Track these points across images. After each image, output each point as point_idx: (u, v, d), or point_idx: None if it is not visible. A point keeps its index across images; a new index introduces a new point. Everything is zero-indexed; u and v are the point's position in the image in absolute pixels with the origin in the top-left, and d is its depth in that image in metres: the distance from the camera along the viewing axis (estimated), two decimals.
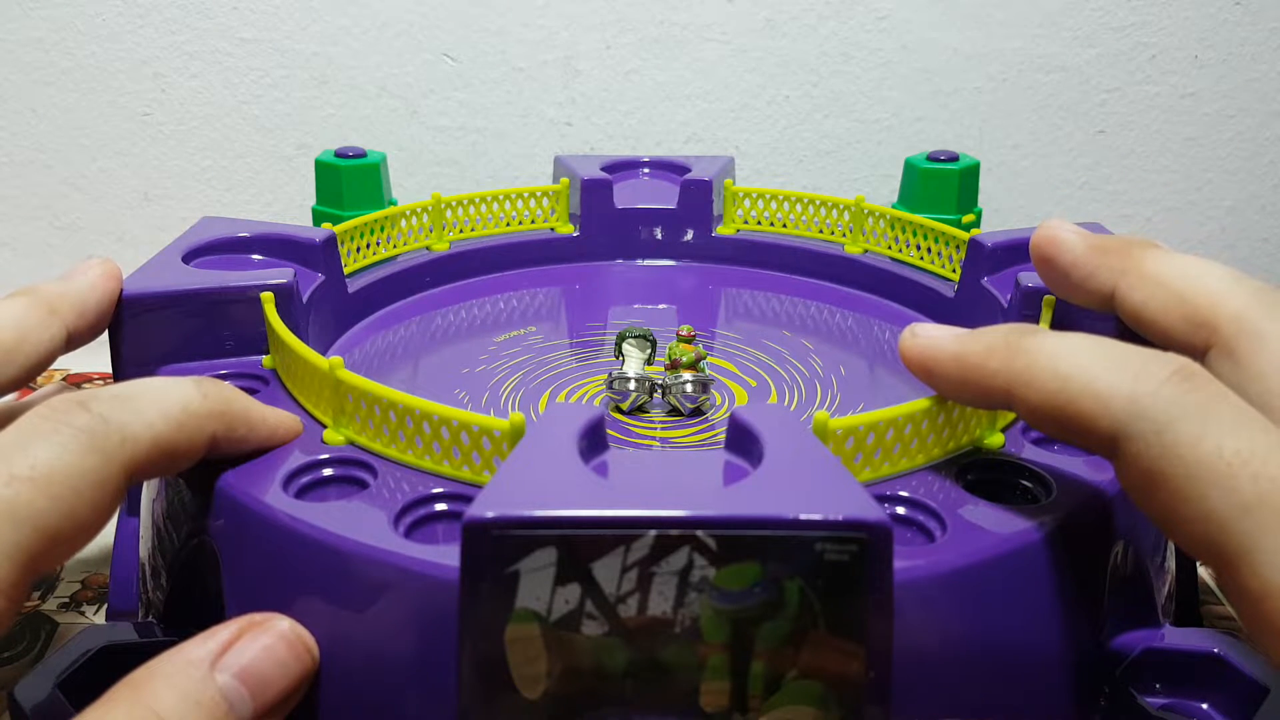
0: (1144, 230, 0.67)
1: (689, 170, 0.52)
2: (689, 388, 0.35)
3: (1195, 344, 0.25)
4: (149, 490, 0.31)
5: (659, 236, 0.50)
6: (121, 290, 0.33)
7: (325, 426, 0.29)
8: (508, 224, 0.49)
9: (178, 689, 0.21)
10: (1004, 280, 0.39)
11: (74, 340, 0.31)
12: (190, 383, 0.25)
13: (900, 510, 0.26)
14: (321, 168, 0.48)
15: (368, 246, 0.44)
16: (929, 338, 0.26)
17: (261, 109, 0.64)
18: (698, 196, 0.50)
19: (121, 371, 0.33)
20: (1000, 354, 0.24)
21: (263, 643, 0.23)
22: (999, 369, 0.24)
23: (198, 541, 0.27)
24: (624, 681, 0.20)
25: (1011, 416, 0.30)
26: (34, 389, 0.56)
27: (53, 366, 0.60)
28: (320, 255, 0.40)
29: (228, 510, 0.26)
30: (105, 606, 0.36)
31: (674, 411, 0.36)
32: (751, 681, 0.20)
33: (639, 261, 0.50)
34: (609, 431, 0.27)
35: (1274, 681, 0.25)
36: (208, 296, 0.33)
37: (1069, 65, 0.64)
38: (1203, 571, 0.41)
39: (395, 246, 0.45)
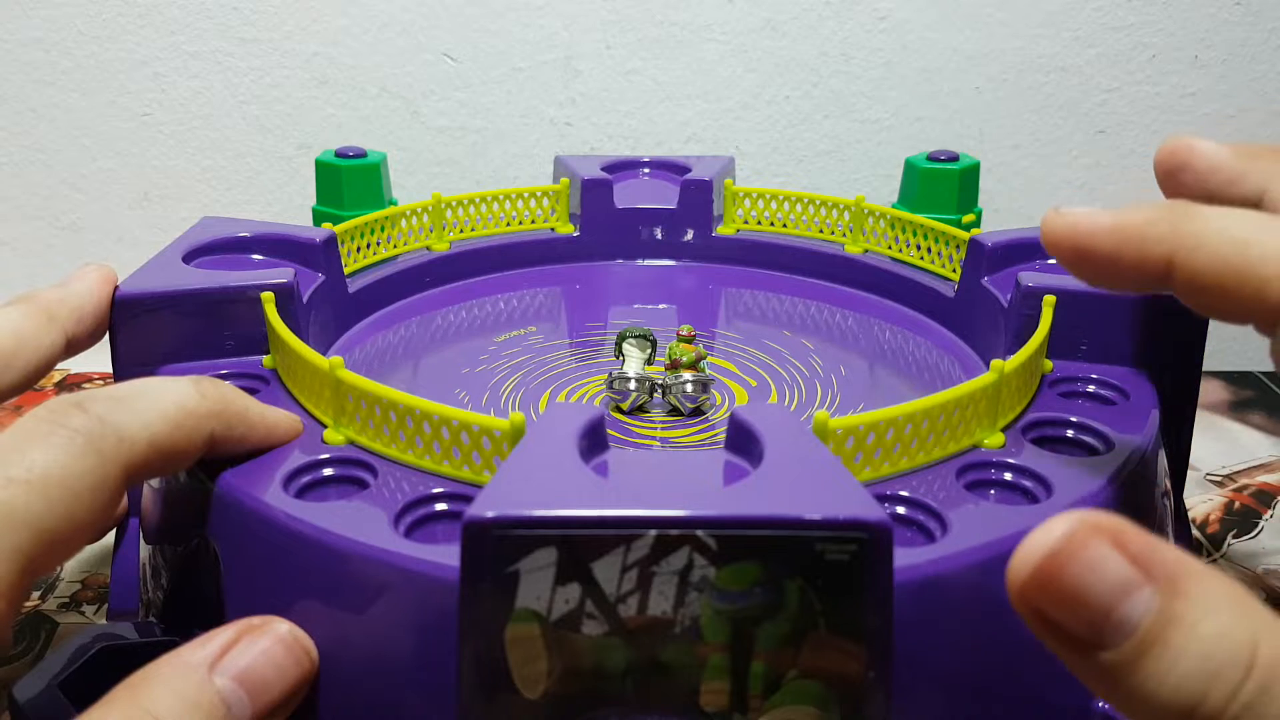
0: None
1: (689, 170, 0.52)
2: (689, 388, 0.35)
3: None
4: (149, 490, 0.31)
5: (659, 236, 0.50)
6: (119, 292, 0.33)
7: (325, 426, 0.29)
8: (508, 224, 0.49)
9: (176, 692, 0.21)
10: (1004, 280, 0.39)
11: (73, 346, 0.31)
12: (188, 382, 0.25)
13: (900, 510, 0.26)
14: (322, 168, 0.48)
15: (368, 246, 0.44)
16: (1079, 213, 0.24)
17: (261, 109, 0.64)
18: (698, 196, 0.50)
19: (122, 372, 0.33)
20: (1166, 219, 0.22)
21: (261, 646, 0.23)
22: (1164, 235, 0.22)
23: (198, 541, 0.27)
24: (624, 681, 0.20)
25: (1011, 416, 0.30)
26: (40, 389, 0.56)
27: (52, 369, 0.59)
28: (320, 255, 0.40)
29: (228, 510, 0.26)
30: (105, 606, 0.36)
31: (674, 411, 0.36)
32: (751, 681, 0.20)
33: (639, 261, 0.50)
34: (609, 431, 0.27)
35: None
36: (208, 296, 0.33)
37: (1069, 65, 0.64)
38: None
39: (395, 246, 0.45)
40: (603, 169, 0.51)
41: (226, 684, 0.22)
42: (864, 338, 0.43)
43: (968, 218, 0.48)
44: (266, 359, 0.34)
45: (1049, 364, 0.34)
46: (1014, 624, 0.24)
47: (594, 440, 0.23)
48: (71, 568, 0.41)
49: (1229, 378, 0.60)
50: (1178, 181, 0.27)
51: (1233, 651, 0.16)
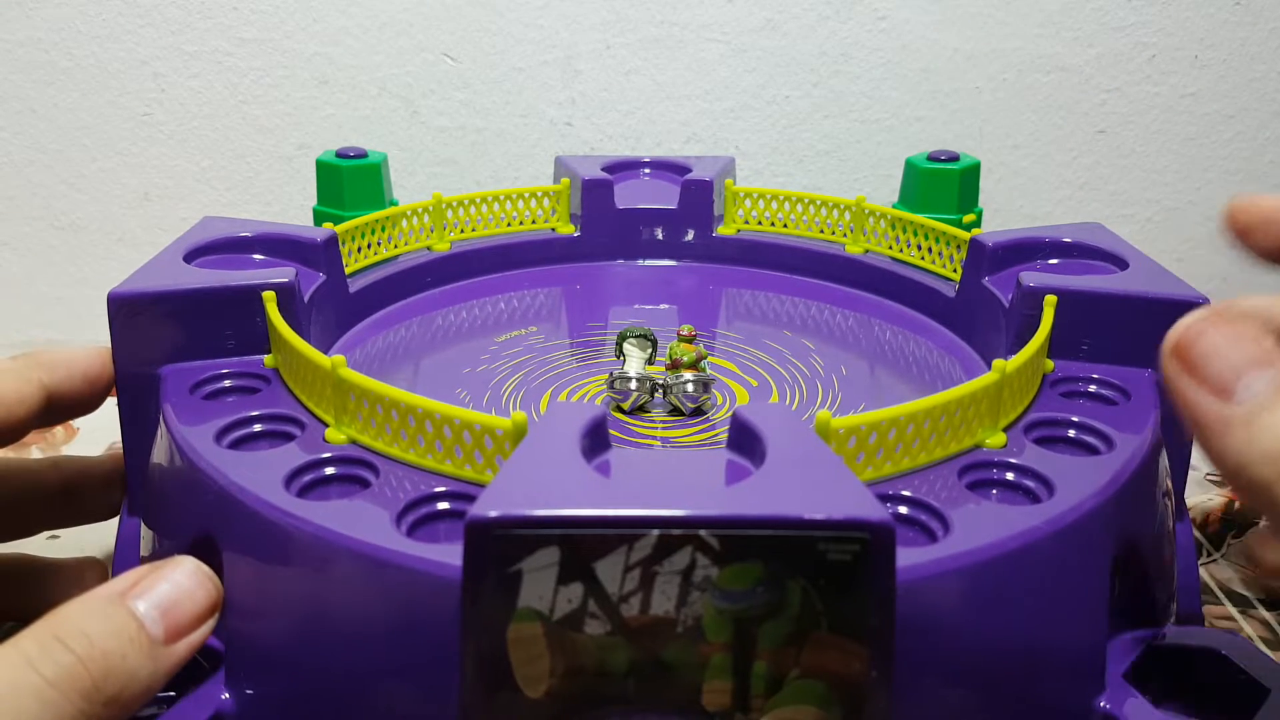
0: (1144, 230, 0.67)
1: (689, 170, 0.52)
2: (690, 387, 0.35)
3: None
4: (150, 489, 0.31)
5: (659, 236, 0.50)
6: (117, 291, 0.33)
7: (327, 425, 0.29)
8: (508, 224, 0.49)
9: (91, 613, 0.22)
10: (1004, 280, 0.39)
11: (55, 402, 0.32)
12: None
13: (902, 510, 0.26)
14: (322, 168, 0.48)
15: (369, 246, 0.44)
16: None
17: (261, 109, 0.64)
18: (698, 196, 0.50)
19: (122, 372, 0.33)
20: None
21: (167, 575, 0.24)
22: None
23: (199, 540, 0.27)
24: (626, 681, 0.20)
25: (1013, 416, 0.30)
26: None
27: None
28: (322, 255, 0.39)
29: (229, 509, 0.26)
30: None
31: (675, 411, 0.36)
32: (754, 681, 0.20)
33: (640, 261, 0.50)
34: (611, 431, 0.27)
35: (1274, 682, 0.25)
36: (209, 296, 0.33)
37: (1069, 65, 0.64)
38: (1203, 572, 0.41)
39: (396, 246, 0.45)
40: (603, 169, 0.51)
41: (138, 605, 0.23)
42: (864, 338, 0.43)
43: (968, 218, 0.48)
44: (268, 358, 0.34)
45: (1050, 364, 0.34)
46: (1015, 624, 0.24)
47: (596, 440, 0.23)
48: None
49: None
50: (1250, 231, 0.29)
51: None
